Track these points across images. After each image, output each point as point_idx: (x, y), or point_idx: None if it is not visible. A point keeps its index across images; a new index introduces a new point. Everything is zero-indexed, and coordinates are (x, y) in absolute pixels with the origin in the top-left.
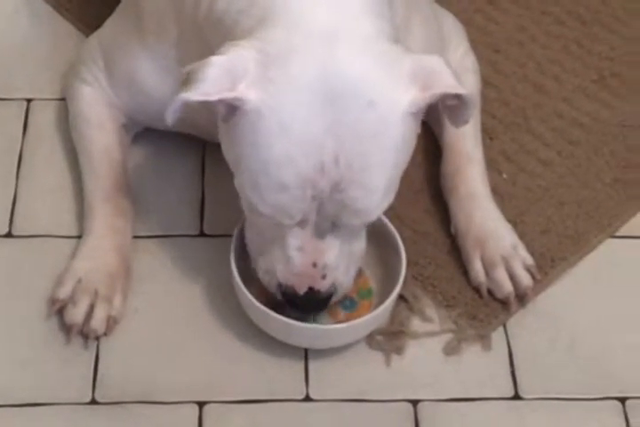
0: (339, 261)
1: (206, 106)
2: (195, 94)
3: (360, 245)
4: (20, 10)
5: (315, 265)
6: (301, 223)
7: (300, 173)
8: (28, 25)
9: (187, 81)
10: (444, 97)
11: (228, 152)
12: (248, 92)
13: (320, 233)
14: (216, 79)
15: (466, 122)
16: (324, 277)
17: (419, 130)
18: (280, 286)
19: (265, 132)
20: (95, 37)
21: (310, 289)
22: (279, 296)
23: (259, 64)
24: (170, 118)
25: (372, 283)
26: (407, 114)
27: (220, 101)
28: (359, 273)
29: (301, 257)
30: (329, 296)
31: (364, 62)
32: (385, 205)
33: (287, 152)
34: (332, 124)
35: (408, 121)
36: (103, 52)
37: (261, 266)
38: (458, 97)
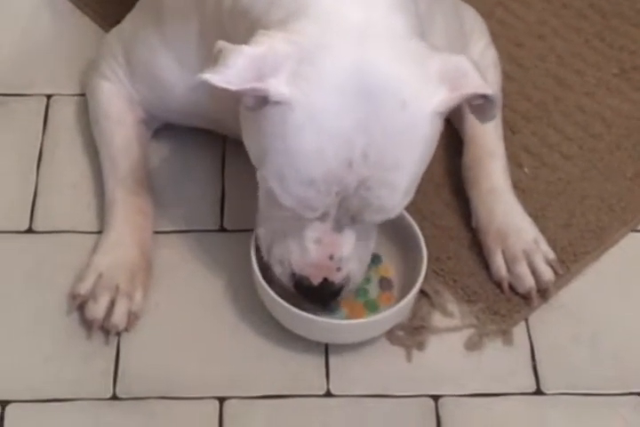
0: (354, 253)
1: (231, 95)
2: (217, 79)
3: (373, 238)
4: (41, 6)
5: (331, 257)
6: (322, 217)
7: (328, 168)
8: (49, 21)
9: (215, 61)
10: (472, 97)
11: (251, 143)
12: (280, 86)
13: (339, 227)
14: (242, 69)
15: (493, 118)
16: (338, 269)
17: (442, 129)
18: (294, 275)
19: (295, 125)
20: (115, 33)
21: (325, 280)
22: (291, 286)
23: (291, 59)
24: (189, 96)
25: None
26: (435, 114)
27: (248, 92)
28: (388, 289)
29: (319, 249)
30: (341, 288)
31: (395, 61)
32: (406, 202)
33: (317, 146)
34: (363, 121)
35: (435, 121)
36: (123, 48)
37: (274, 255)
38: (484, 96)
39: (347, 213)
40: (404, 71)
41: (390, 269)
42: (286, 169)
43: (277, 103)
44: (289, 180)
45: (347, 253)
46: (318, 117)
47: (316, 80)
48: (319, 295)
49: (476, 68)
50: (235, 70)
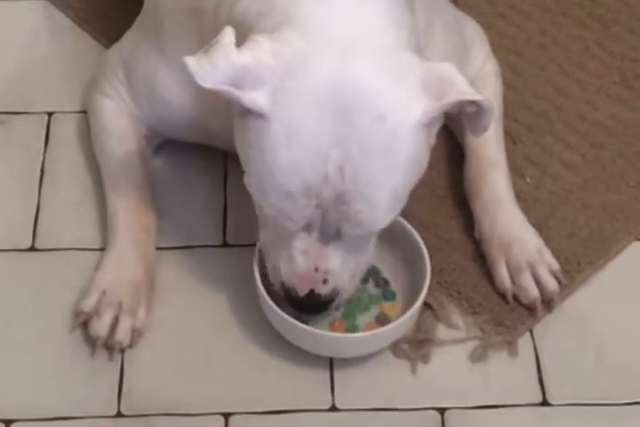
0: (343, 268)
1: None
2: (195, 70)
3: (367, 255)
4: (41, 23)
5: (317, 269)
6: (306, 228)
7: (304, 182)
8: (49, 38)
9: (207, 49)
10: (461, 104)
11: (240, 151)
12: (260, 99)
13: (325, 239)
14: (220, 73)
15: (485, 130)
16: (325, 281)
17: (433, 142)
18: (283, 284)
19: (272, 139)
20: (115, 50)
21: (311, 292)
22: (282, 294)
23: (274, 72)
24: (190, 111)
25: None
26: (419, 126)
27: (222, 95)
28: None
29: (304, 260)
30: (329, 301)
31: (376, 74)
32: (389, 218)
33: (293, 160)
34: (339, 136)
35: (420, 134)
36: (123, 65)
37: (270, 262)
38: (475, 103)
39: (330, 226)
40: (382, 86)
41: (397, 310)
42: (265, 180)
43: (257, 116)
44: (268, 191)
45: (333, 267)
46: (295, 131)
47: (295, 95)
48: (306, 307)
49: (463, 74)
50: (213, 71)
